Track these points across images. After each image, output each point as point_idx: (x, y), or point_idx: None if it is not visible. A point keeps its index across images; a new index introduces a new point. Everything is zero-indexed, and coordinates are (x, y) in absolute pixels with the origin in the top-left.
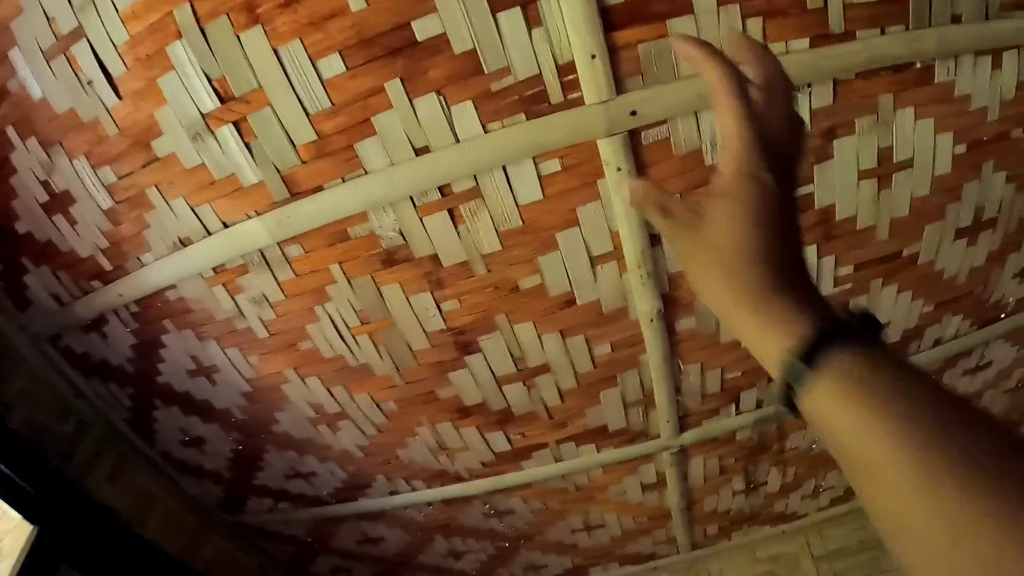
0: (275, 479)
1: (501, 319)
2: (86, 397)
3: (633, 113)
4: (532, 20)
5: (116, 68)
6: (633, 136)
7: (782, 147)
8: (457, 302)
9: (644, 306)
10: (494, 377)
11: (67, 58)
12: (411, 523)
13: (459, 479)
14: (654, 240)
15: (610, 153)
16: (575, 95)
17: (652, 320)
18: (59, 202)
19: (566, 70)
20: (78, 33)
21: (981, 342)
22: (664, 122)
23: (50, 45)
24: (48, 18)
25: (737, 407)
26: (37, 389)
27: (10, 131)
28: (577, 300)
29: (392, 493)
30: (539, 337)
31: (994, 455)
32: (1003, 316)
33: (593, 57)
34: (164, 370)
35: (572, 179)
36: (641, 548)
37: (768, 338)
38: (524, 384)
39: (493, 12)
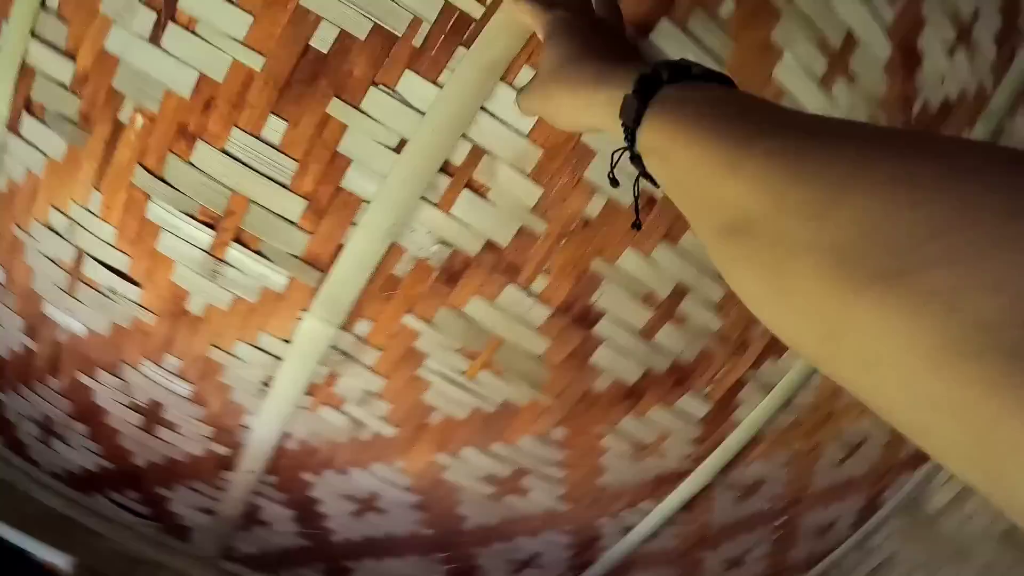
0: None
1: (598, 265)
2: None
3: None
4: None
5: (122, 262)
6: None
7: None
8: (543, 277)
9: None
10: (637, 334)
11: (85, 283)
12: (666, 555)
13: (683, 474)
14: None
15: None
16: None
17: None
18: (152, 416)
19: None
20: (79, 255)
21: None
22: None
23: (65, 281)
24: (53, 260)
25: None
26: None
27: (81, 376)
28: (657, 196)
29: (627, 530)
30: (647, 257)
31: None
32: None
33: None
34: (333, 525)
35: None
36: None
37: (614, 94)
38: (671, 322)
39: None
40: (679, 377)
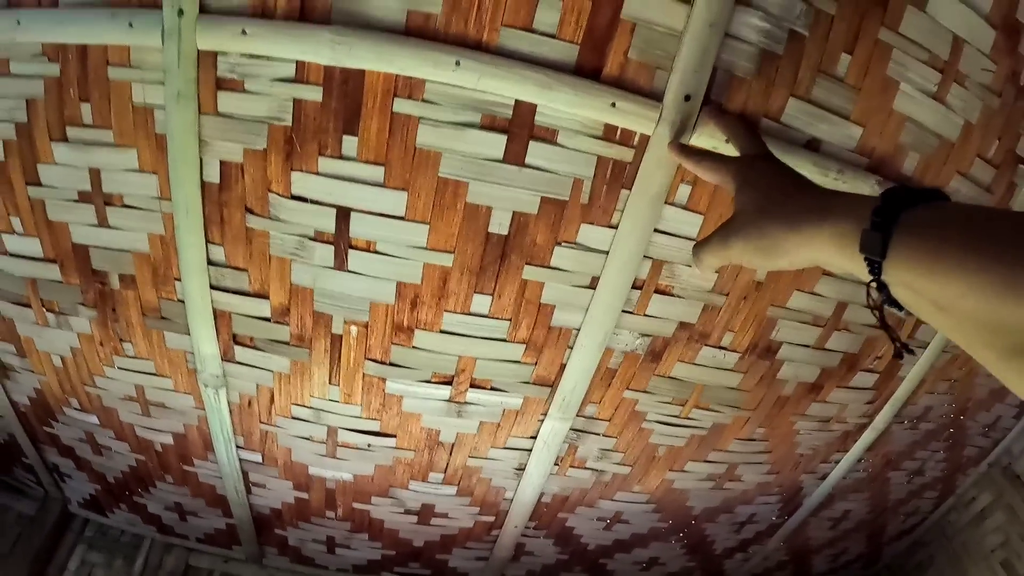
0: (727, 539)
1: (774, 312)
2: None
3: (688, 98)
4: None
5: (373, 425)
6: None
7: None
8: (730, 334)
9: None
10: (812, 347)
11: (343, 446)
12: (859, 484)
13: (863, 427)
14: None
15: None
16: (632, 141)
17: None
18: (425, 514)
19: (610, 132)
20: (332, 430)
21: None
22: None
23: (325, 449)
24: (307, 438)
25: None
26: None
27: (355, 504)
28: None
29: (823, 477)
30: (811, 293)
31: None
32: None
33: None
34: (587, 540)
35: (705, 187)
36: None
37: (842, 227)
38: (838, 331)
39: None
40: (850, 364)
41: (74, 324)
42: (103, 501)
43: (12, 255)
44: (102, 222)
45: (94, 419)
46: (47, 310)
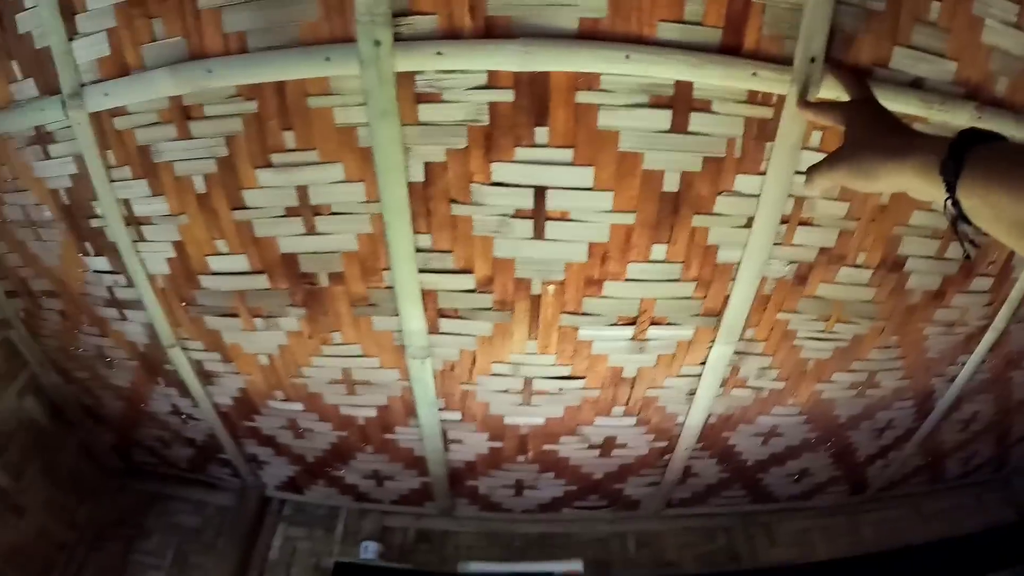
0: (869, 446)
1: (899, 229)
2: None
3: (812, 60)
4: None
5: (565, 371)
6: None
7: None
8: (863, 253)
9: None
10: (933, 258)
11: (537, 393)
12: (983, 385)
13: (984, 328)
14: None
15: None
16: (771, 101)
17: None
18: (607, 446)
19: (753, 96)
20: (527, 381)
21: None
22: None
23: (520, 399)
24: (504, 391)
25: None
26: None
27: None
28: None
29: (951, 380)
30: (929, 209)
31: None
32: None
33: None
34: (745, 456)
35: (833, 132)
36: None
37: (925, 159)
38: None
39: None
40: (967, 270)
41: (282, 324)
42: (300, 480)
43: (217, 274)
44: (310, 230)
45: (299, 406)
46: (254, 316)
